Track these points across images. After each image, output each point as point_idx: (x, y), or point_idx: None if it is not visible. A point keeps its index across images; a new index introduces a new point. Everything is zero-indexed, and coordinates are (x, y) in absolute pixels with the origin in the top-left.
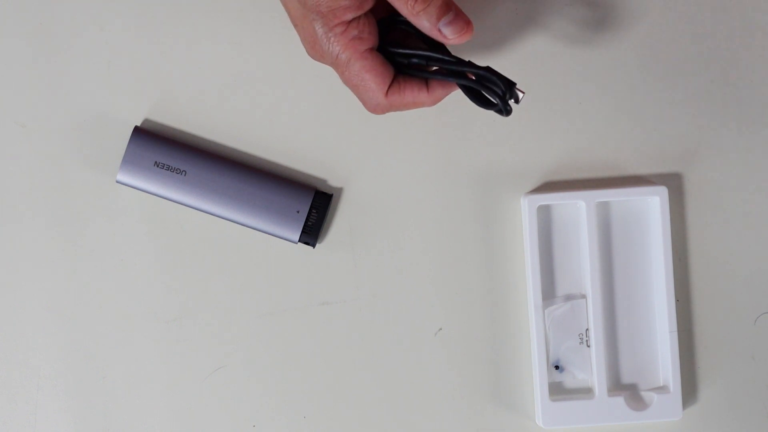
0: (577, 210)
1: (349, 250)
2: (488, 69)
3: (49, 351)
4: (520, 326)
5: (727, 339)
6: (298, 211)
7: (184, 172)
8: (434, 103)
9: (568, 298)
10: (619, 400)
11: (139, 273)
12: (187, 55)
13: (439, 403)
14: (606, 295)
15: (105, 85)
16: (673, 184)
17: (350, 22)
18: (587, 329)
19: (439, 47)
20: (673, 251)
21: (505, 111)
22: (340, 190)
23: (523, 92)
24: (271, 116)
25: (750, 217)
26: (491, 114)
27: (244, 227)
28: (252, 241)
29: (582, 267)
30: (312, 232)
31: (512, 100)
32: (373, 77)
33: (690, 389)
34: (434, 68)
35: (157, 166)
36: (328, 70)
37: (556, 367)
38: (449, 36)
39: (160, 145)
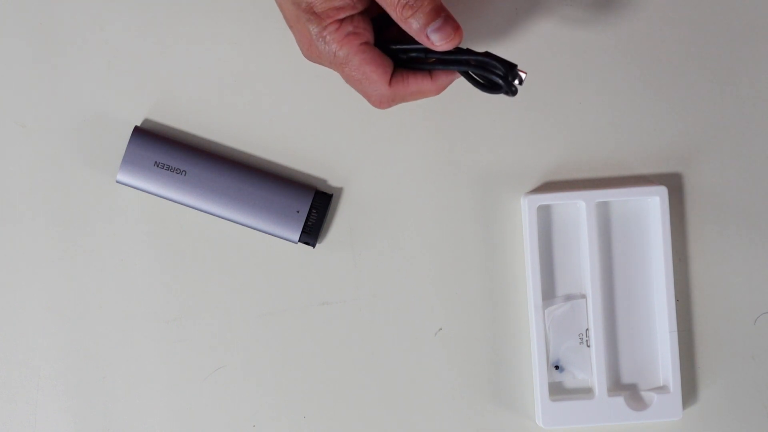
0: (577, 210)
1: (349, 250)
2: (487, 54)
3: (49, 351)
4: (520, 326)
5: (727, 339)
6: (298, 211)
7: (184, 172)
8: (438, 91)
9: (568, 298)
10: (619, 400)
11: (139, 273)
12: (187, 55)
13: (439, 403)
14: (606, 295)
15: (105, 85)
16: (673, 184)
17: (343, 20)
18: (587, 329)
19: None
20: (673, 251)
21: (511, 92)
22: (340, 190)
23: (525, 73)
24: (271, 116)
25: (750, 217)
26: (491, 114)
27: (244, 227)
28: (252, 241)
29: (582, 267)
30: (312, 232)
31: (516, 81)
32: (374, 68)
33: (690, 389)
34: (433, 60)
35: (157, 166)
36: (328, 70)
37: (556, 367)
38: (436, 42)
39: (160, 145)
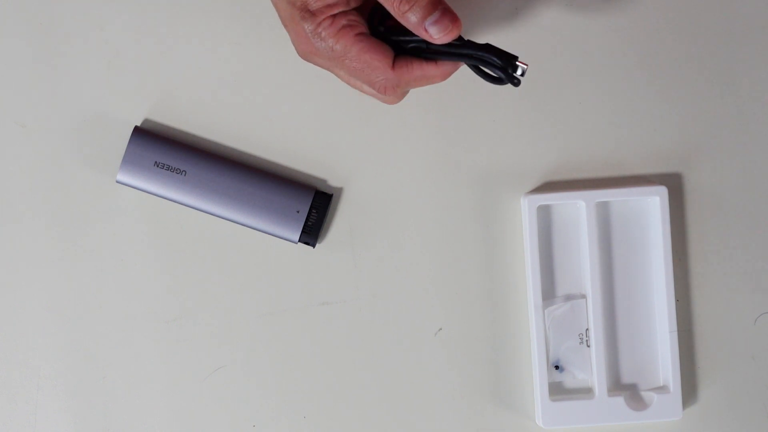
0: (577, 210)
1: (349, 250)
2: (487, 46)
3: (49, 351)
4: (520, 326)
5: (727, 339)
6: (298, 211)
7: (184, 172)
8: (444, 77)
9: (568, 298)
10: (619, 400)
11: (139, 273)
12: (187, 55)
13: (439, 403)
14: (606, 295)
15: (105, 85)
16: (673, 184)
17: (336, 15)
18: (587, 329)
19: None
20: (673, 251)
21: (513, 83)
22: (340, 190)
23: (526, 64)
24: (271, 116)
25: (750, 217)
26: (491, 114)
27: (244, 227)
28: (252, 241)
29: (582, 267)
30: (312, 232)
31: (518, 72)
32: (373, 55)
33: (690, 389)
34: (433, 51)
35: (157, 166)
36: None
37: (556, 367)
38: (434, 35)
39: (160, 145)
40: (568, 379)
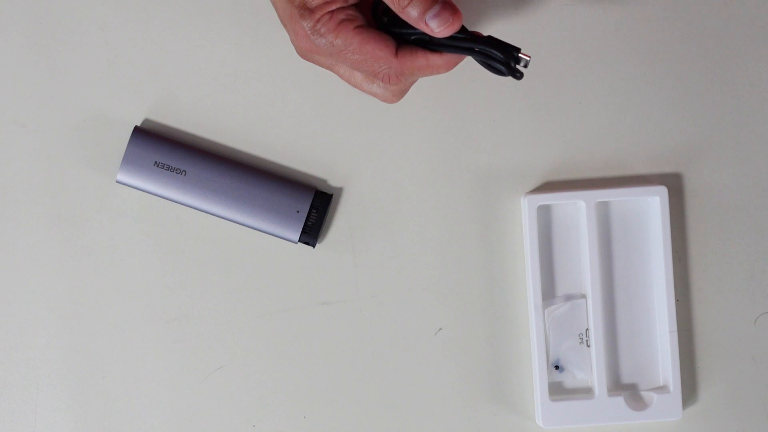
0: (577, 210)
1: (349, 250)
2: (489, 39)
3: (49, 351)
4: (520, 326)
5: (727, 339)
6: (298, 211)
7: (184, 172)
8: (449, 67)
9: (568, 298)
10: (619, 400)
11: (139, 273)
12: (187, 55)
13: (439, 403)
14: (606, 295)
15: (105, 85)
16: (673, 184)
17: (335, 10)
18: (587, 329)
19: None
20: (673, 251)
21: (515, 76)
22: (340, 190)
23: (528, 56)
24: (271, 116)
25: (750, 217)
26: (491, 114)
27: (244, 227)
28: (252, 241)
29: (582, 267)
30: (312, 232)
31: (521, 65)
32: (375, 45)
33: (690, 389)
34: (436, 44)
35: (157, 166)
36: (327, 70)
37: (556, 367)
38: (435, 28)
39: (160, 145)
40: (568, 379)
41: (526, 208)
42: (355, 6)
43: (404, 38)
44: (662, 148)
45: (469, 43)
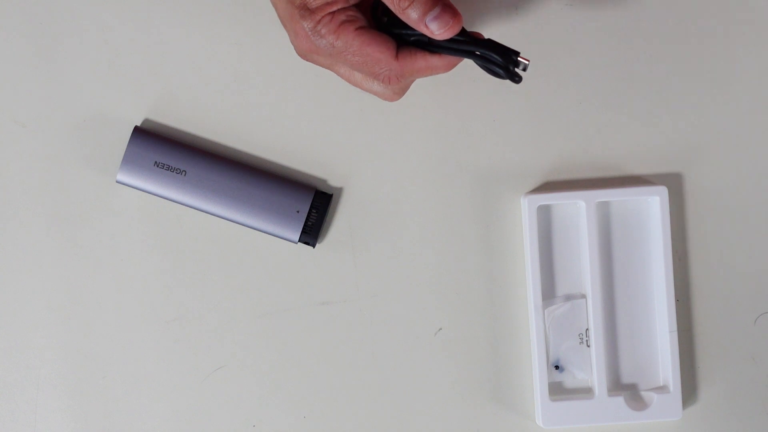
0: (577, 210)
1: (349, 250)
2: (489, 42)
3: (49, 351)
4: (520, 326)
5: (727, 339)
6: (298, 211)
7: (184, 172)
8: (448, 67)
9: (568, 298)
10: (619, 400)
11: (139, 273)
12: (187, 55)
13: (439, 403)
14: (606, 295)
15: (105, 85)
16: (673, 184)
17: (335, 11)
18: (587, 329)
19: None
20: (673, 251)
21: (513, 80)
22: (340, 190)
23: (527, 60)
24: (271, 116)
25: (750, 217)
26: (491, 114)
27: (244, 227)
28: (252, 241)
29: (582, 267)
30: (312, 232)
31: (519, 68)
32: (375, 48)
33: (690, 389)
34: (436, 46)
35: (157, 166)
36: (327, 70)
37: (556, 367)
38: (435, 30)
39: (160, 145)
40: (568, 379)
41: (526, 208)
42: (356, 6)
43: (403, 39)
44: (662, 148)
45: (468, 45)
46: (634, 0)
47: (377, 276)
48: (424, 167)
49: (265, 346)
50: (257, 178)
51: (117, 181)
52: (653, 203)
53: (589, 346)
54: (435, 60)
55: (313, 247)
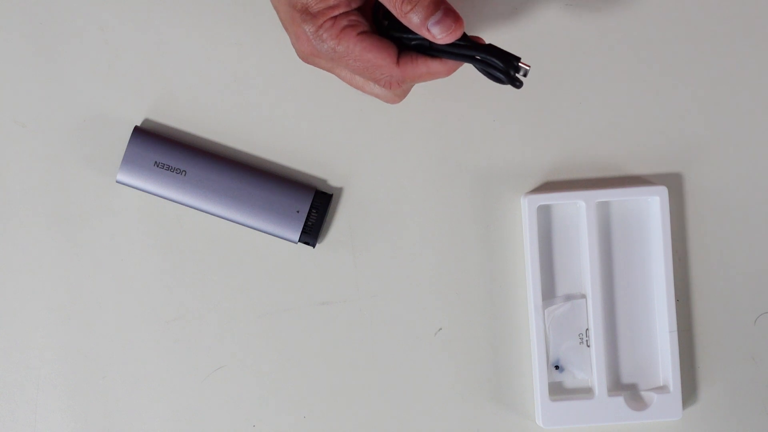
0: (577, 210)
1: (349, 250)
2: (489, 48)
3: (49, 351)
4: (520, 326)
5: (727, 339)
6: (298, 211)
7: (184, 172)
8: (449, 72)
9: (568, 298)
10: (619, 400)
11: (139, 273)
12: (187, 55)
13: (439, 403)
14: (606, 295)
15: (105, 85)
16: (673, 184)
17: (338, 16)
18: (587, 329)
19: None
20: (673, 251)
21: (514, 85)
22: (340, 190)
23: (528, 66)
24: (271, 116)
25: (750, 217)
26: (491, 114)
27: (244, 227)
28: (252, 241)
29: (582, 267)
30: (312, 232)
31: (520, 74)
32: (377, 52)
33: (690, 389)
34: (437, 50)
35: (157, 166)
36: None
37: (556, 367)
38: (437, 35)
39: (160, 145)
40: (568, 379)
41: (526, 208)
42: (357, 10)
43: (403, 43)
44: (662, 148)
45: (469, 50)
46: (633, 0)
47: (377, 276)
48: (424, 167)
49: (265, 346)
50: (257, 178)
51: (117, 181)
52: (653, 203)
53: (589, 346)
54: (436, 65)
55: (313, 247)
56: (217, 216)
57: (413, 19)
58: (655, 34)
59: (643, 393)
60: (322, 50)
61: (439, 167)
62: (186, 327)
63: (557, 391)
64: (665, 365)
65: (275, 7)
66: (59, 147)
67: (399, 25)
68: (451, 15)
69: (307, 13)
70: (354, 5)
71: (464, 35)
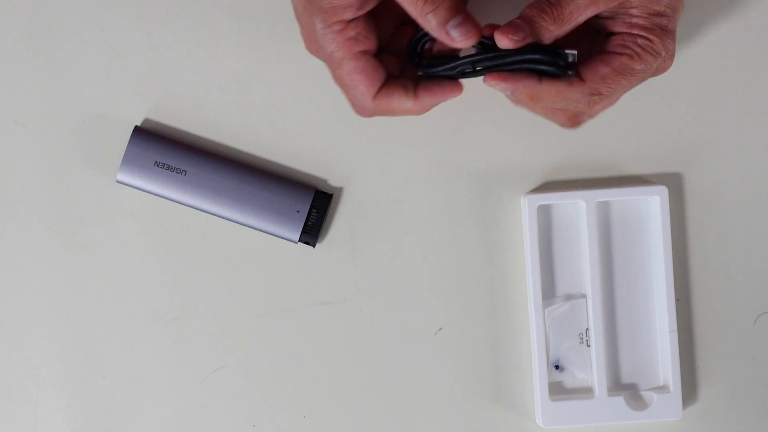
0: (577, 210)
1: (349, 250)
2: (531, 47)
3: (49, 351)
4: (520, 326)
5: (727, 339)
6: (298, 211)
7: (184, 172)
8: (422, 111)
9: (568, 297)
10: (619, 400)
11: (139, 273)
12: (187, 55)
13: (439, 403)
14: (606, 295)
15: (105, 85)
16: (673, 184)
17: (349, 22)
18: (587, 329)
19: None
20: (673, 251)
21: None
22: (340, 190)
23: (574, 51)
24: (271, 116)
25: (750, 217)
26: (491, 114)
27: (244, 227)
28: (252, 241)
29: (582, 267)
30: (312, 232)
31: (569, 60)
32: (363, 79)
33: (690, 389)
34: (481, 68)
35: (157, 165)
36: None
37: (556, 367)
38: (456, 38)
39: (160, 145)
40: (568, 379)
41: (526, 208)
42: (368, 18)
43: (448, 74)
44: (662, 148)
45: (512, 56)
46: None
47: (377, 276)
48: (424, 167)
49: (265, 346)
50: (257, 178)
51: (117, 181)
52: (653, 203)
53: (589, 346)
54: (408, 104)
55: (313, 247)
56: (217, 216)
57: (432, 21)
58: None
59: (643, 393)
60: (321, 47)
61: (439, 167)
62: (186, 327)
63: (557, 391)
64: (665, 365)
65: None
66: (59, 147)
67: (433, 61)
68: (471, 20)
69: (319, 8)
70: (367, 7)
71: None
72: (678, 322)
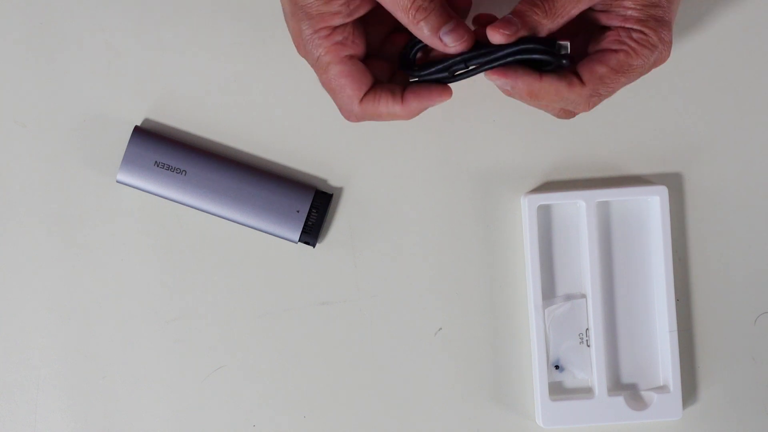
0: (577, 210)
1: (349, 250)
2: (524, 40)
3: (49, 351)
4: (520, 326)
5: (727, 339)
6: (298, 211)
7: (184, 172)
8: (409, 116)
9: (568, 297)
10: (619, 400)
11: (139, 273)
12: (187, 55)
13: (439, 403)
14: (606, 295)
15: (105, 85)
16: (673, 184)
17: (336, 27)
18: (587, 329)
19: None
20: (673, 251)
21: (562, 65)
22: (340, 190)
23: (566, 41)
24: (271, 116)
25: (750, 217)
26: (491, 114)
27: (244, 227)
28: (252, 241)
29: (582, 267)
30: (312, 232)
31: (562, 52)
32: (350, 83)
33: (690, 389)
34: (474, 66)
35: (157, 165)
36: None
37: (556, 367)
38: (450, 44)
39: (160, 145)
40: (568, 379)
41: (526, 208)
42: (357, 24)
43: (443, 75)
44: (662, 148)
45: (503, 51)
46: None
47: (377, 276)
48: (424, 167)
49: (265, 346)
50: (257, 178)
51: (117, 181)
52: (653, 203)
53: (589, 346)
54: (396, 108)
55: (313, 247)
56: (217, 216)
57: (424, 29)
58: None
59: (643, 393)
60: (309, 51)
61: (439, 167)
62: (186, 327)
63: (557, 391)
64: (665, 365)
65: (281, 1)
66: (59, 147)
67: (426, 66)
68: (463, 25)
69: (307, 13)
70: (356, 14)
71: (478, 42)
72: (678, 322)
